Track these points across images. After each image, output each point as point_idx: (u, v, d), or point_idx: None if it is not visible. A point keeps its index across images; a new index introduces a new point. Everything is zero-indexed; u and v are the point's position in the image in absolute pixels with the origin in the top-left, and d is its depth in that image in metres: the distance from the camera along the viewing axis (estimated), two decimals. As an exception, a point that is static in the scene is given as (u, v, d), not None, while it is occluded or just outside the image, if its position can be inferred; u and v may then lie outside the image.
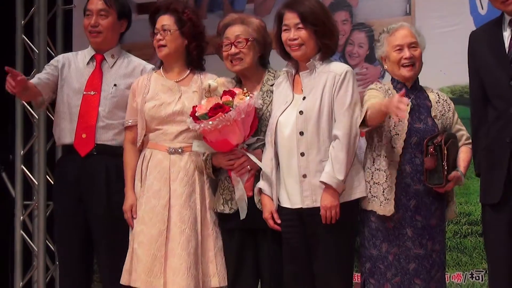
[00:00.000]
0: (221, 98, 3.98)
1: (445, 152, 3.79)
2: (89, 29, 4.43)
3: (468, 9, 5.12)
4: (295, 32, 3.87)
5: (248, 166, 4.00)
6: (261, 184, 3.94)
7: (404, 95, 3.63)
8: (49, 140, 6.00)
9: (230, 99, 3.94)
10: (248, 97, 3.94)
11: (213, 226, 4.12)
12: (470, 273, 5.08)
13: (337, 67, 3.89)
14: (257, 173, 4.01)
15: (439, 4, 5.20)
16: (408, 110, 3.85)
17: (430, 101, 3.97)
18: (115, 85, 4.39)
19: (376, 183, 3.83)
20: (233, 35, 4.08)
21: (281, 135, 3.90)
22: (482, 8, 5.05)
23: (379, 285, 3.84)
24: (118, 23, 4.47)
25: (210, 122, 3.89)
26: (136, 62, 4.51)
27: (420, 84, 4.00)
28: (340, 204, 3.77)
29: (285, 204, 3.89)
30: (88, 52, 4.50)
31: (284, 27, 3.91)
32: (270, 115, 4.02)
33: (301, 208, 3.83)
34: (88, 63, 4.47)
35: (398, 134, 3.84)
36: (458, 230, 5.13)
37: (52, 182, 5.39)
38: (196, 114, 3.97)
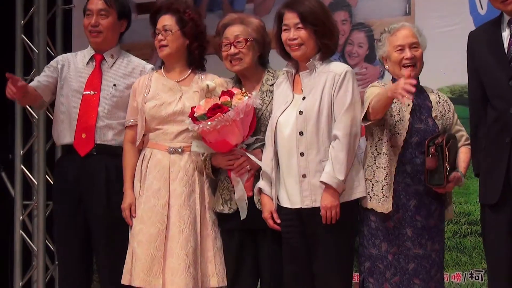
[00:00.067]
0: (219, 98, 3.98)
1: (446, 153, 3.79)
2: (89, 29, 4.42)
3: (467, 9, 5.13)
4: (295, 32, 3.87)
5: (248, 166, 4.01)
6: (261, 184, 3.94)
7: (410, 76, 3.64)
8: (49, 140, 6.00)
9: (229, 99, 3.94)
10: (246, 97, 3.94)
11: (212, 226, 4.13)
12: (470, 273, 5.08)
13: (337, 67, 3.89)
14: (256, 173, 4.01)
15: (439, 4, 5.20)
16: (409, 110, 3.86)
17: (430, 101, 3.97)
18: (114, 85, 4.39)
19: (377, 181, 3.84)
20: (233, 35, 4.08)
21: (281, 135, 3.90)
22: (482, 8, 5.05)
23: (378, 284, 3.84)
24: (118, 23, 4.47)
25: (209, 123, 3.89)
26: (135, 62, 4.50)
27: (420, 84, 4.00)
28: (340, 204, 3.77)
29: (285, 204, 3.89)
30: (88, 52, 4.50)
31: (284, 27, 3.91)
32: (269, 115, 4.02)
33: (301, 208, 3.83)
34: (87, 63, 4.47)
35: (399, 133, 3.84)
36: (457, 230, 5.13)
37: (52, 182, 5.40)
38: (194, 115, 3.97)
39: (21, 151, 6.12)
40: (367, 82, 5.13)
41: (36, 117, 6.12)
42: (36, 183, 6.11)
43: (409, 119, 3.85)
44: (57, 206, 4.51)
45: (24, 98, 4.31)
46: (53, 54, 6.20)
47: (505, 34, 3.70)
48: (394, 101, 3.85)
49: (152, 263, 4.03)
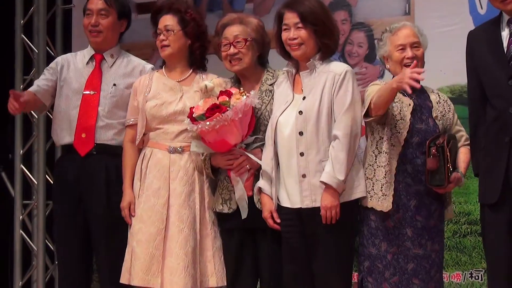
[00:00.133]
0: (217, 98, 3.98)
1: (448, 153, 3.79)
2: (89, 29, 4.42)
3: (467, 8, 5.13)
4: (295, 32, 3.87)
5: (247, 166, 4.01)
6: (261, 183, 3.94)
7: (416, 66, 3.64)
8: (49, 140, 5.99)
9: (227, 99, 3.94)
10: (244, 97, 3.94)
11: (212, 225, 4.13)
12: (470, 272, 5.08)
13: (337, 67, 3.89)
14: (256, 172, 4.01)
15: (439, 4, 5.20)
16: (410, 110, 3.86)
17: (431, 101, 3.98)
18: (114, 84, 4.38)
19: (377, 180, 3.84)
20: (232, 35, 4.08)
21: (281, 135, 3.90)
22: (482, 8, 5.06)
23: (377, 284, 3.84)
24: (118, 23, 4.47)
25: (208, 123, 3.90)
26: (135, 61, 4.50)
27: (420, 84, 4.00)
28: (340, 204, 3.77)
29: (285, 203, 3.89)
30: (88, 52, 4.50)
31: (284, 27, 3.91)
32: (269, 114, 4.02)
33: (301, 208, 3.83)
34: (87, 63, 4.47)
35: (399, 133, 3.84)
36: (457, 229, 5.13)
37: (52, 182, 5.40)
38: (193, 115, 3.97)
39: (21, 151, 6.12)
40: (367, 82, 5.14)
41: (36, 117, 6.12)
42: (36, 182, 6.11)
43: (410, 119, 3.85)
44: (57, 206, 4.51)
45: (25, 108, 4.34)
46: (53, 54, 6.20)
47: (505, 34, 3.70)
48: (395, 100, 3.86)
49: (151, 262, 4.02)
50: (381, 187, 3.82)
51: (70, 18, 6.31)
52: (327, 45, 3.89)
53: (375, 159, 3.88)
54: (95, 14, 4.40)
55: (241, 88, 4.03)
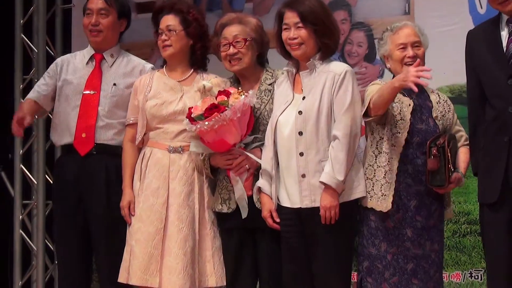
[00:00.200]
0: (216, 98, 3.98)
1: (448, 154, 3.79)
2: (89, 28, 4.42)
3: (467, 8, 5.13)
4: (295, 31, 3.87)
5: (247, 165, 4.01)
6: (260, 183, 3.94)
7: (419, 64, 3.64)
8: (48, 140, 5.98)
9: (225, 98, 3.94)
10: (243, 96, 3.94)
11: (211, 225, 4.12)
12: (469, 272, 5.08)
13: (337, 67, 3.89)
14: (256, 172, 4.01)
15: (438, 4, 5.20)
16: (410, 110, 3.86)
17: (431, 101, 3.97)
18: (114, 84, 4.38)
19: (377, 180, 3.84)
20: (231, 35, 4.08)
21: (280, 135, 3.90)
22: (481, 8, 5.06)
23: (376, 284, 3.84)
24: (118, 23, 4.47)
25: (206, 123, 3.89)
26: (135, 61, 4.50)
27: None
28: (339, 204, 3.77)
29: (285, 203, 3.89)
30: (87, 52, 4.50)
31: (284, 26, 3.91)
32: (268, 114, 4.03)
33: (300, 208, 3.83)
34: (87, 62, 4.46)
35: (400, 132, 3.84)
36: (457, 229, 5.13)
37: (51, 182, 5.40)
38: (192, 115, 3.97)
39: (21, 151, 6.12)
40: (366, 82, 5.14)
41: (36, 117, 6.09)
42: (35, 182, 6.12)
43: (410, 119, 3.85)
44: (56, 205, 4.51)
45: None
46: (52, 53, 6.21)
47: (504, 33, 3.71)
48: (395, 101, 3.85)
49: (150, 262, 4.02)
50: (381, 188, 3.82)
51: (70, 17, 6.32)
52: (327, 45, 3.89)
53: (375, 159, 3.88)
54: (95, 13, 4.40)
55: (240, 88, 4.03)
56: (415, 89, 3.62)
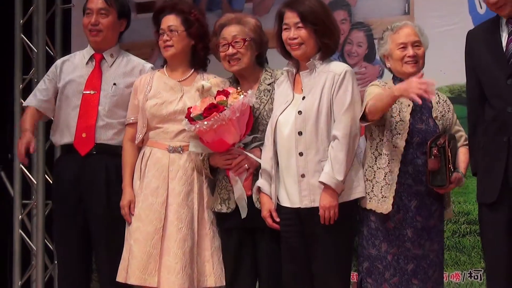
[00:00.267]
0: (215, 98, 3.98)
1: (449, 154, 3.79)
2: (89, 28, 4.42)
3: (467, 8, 5.13)
4: (295, 31, 3.87)
5: (246, 165, 4.01)
6: (260, 182, 3.94)
7: (422, 76, 3.64)
8: (48, 139, 5.98)
9: (224, 98, 3.94)
10: (242, 96, 3.94)
11: (210, 225, 4.12)
12: (469, 272, 5.08)
13: (337, 67, 3.89)
14: (255, 172, 4.01)
15: (438, 4, 5.20)
16: (410, 111, 3.86)
17: (430, 101, 3.97)
18: (114, 84, 4.38)
19: (377, 182, 3.84)
20: (230, 36, 4.07)
21: (280, 135, 3.90)
22: (481, 8, 5.05)
23: (376, 284, 3.84)
24: (118, 22, 4.47)
25: (205, 122, 3.90)
26: (135, 61, 4.50)
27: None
28: (339, 204, 3.76)
29: (285, 203, 3.89)
30: (87, 52, 4.50)
31: (284, 26, 3.91)
32: (267, 114, 4.03)
33: (300, 207, 3.83)
34: (87, 62, 4.46)
35: (399, 134, 3.84)
36: (456, 229, 5.13)
37: (51, 182, 5.40)
38: (191, 115, 3.97)
39: (20, 151, 6.12)
40: (366, 82, 5.14)
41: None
42: (35, 182, 6.12)
43: (409, 120, 3.85)
44: (56, 205, 4.51)
45: None
46: (52, 53, 6.21)
47: (504, 33, 3.71)
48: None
49: (148, 261, 4.02)
50: (381, 189, 3.82)
51: (70, 17, 6.32)
52: (327, 45, 3.89)
53: (375, 161, 3.88)
54: (95, 13, 4.40)
55: (239, 88, 4.03)
56: (419, 101, 3.61)
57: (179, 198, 4.08)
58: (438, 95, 4.03)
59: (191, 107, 4.02)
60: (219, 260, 4.10)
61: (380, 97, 3.74)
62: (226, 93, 3.96)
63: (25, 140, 4.31)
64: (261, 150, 4.01)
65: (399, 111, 3.87)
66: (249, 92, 3.99)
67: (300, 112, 3.84)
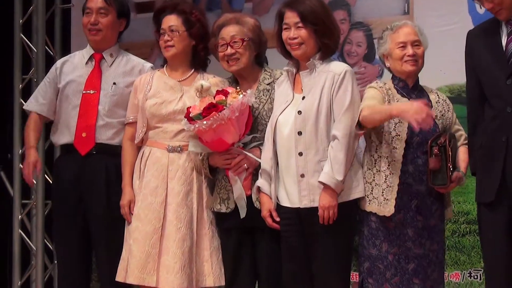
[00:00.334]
0: (214, 97, 3.98)
1: (450, 153, 3.79)
2: (88, 27, 4.42)
3: (466, 8, 5.13)
4: (295, 31, 3.87)
5: (245, 165, 4.01)
6: (260, 182, 3.94)
7: (426, 104, 3.63)
8: (48, 139, 5.97)
9: (224, 98, 3.94)
10: (241, 95, 3.94)
11: (210, 225, 4.12)
12: (468, 272, 5.09)
13: (337, 67, 3.89)
14: (254, 171, 4.01)
15: (438, 3, 5.20)
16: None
17: (430, 101, 3.97)
18: (114, 83, 4.38)
19: (377, 184, 3.83)
20: (229, 36, 4.07)
21: (280, 135, 3.90)
22: (481, 7, 5.02)
23: (377, 284, 3.83)
24: (118, 22, 4.47)
25: (205, 122, 3.89)
26: (135, 61, 4.50)
27: (419, 83, 4.00)
28: (338, 204, 3.76)
29: (285, 203, 3.89)
30: (87, 52, 4.50)
31: (284, 26, 3.90)
32: (266, 114, 4.03)
33: (299, 207, 3.83)
34: (87, 62, 4.46)
35: (399, 135, 3.84)
36: (456, 229, 5.13)
37: (51, 181, 5.39)
38: (190, 115, 3.97)
39: (20, 150, 6.09)
40: (366, 81, 5.14)
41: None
42: (34, 182, 6.08)
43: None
44: (56, 205, 4.50)
45: None
46: (52, 53, 6.21)
47: (504, 33, 3.70)
48: (394, 101, 3.85)
49: (147, 261, 4.02)
50: (382, 192, 3.81)
51: (69, 17, 6.32)
52: (327, 45, 3.89)
53: (374, 163, 3.87)
54: (95, 12, 4.40)
55: (238, 87, 4.03)
56: (417, 128, 3.61)
57: (178, 198, 4.08)
58: (438, 95, 4.03)
59: (190, 106, 4.02)
60: (218, 260, 4.10)
61: (378, 110, 3.74)
62: (225, 93, 3.96)
63: (31, 160, 4.34)
64: (260, 150, 4.01)
65: (398, 112, 3.87)
66: (248, 91, 3.99)
67: (300, 112, 3.84)
